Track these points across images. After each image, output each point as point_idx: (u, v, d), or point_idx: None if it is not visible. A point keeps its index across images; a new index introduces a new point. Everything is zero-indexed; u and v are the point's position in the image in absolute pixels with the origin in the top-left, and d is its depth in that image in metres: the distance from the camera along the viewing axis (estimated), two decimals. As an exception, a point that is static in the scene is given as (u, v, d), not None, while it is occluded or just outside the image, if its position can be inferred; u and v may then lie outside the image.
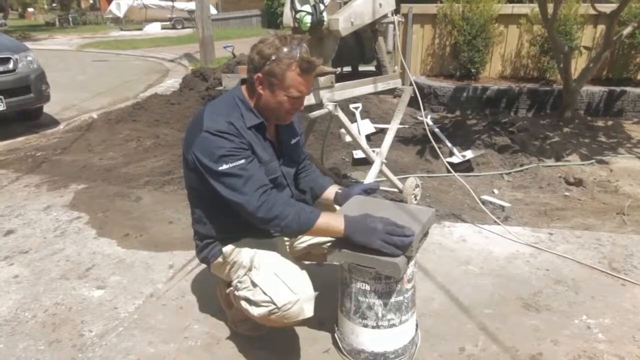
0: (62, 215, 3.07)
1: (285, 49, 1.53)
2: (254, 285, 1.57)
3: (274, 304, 1.50)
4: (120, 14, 21.86)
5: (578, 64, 5.42)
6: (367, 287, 1.63)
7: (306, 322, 1.94)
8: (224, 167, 1.52)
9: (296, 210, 1.55)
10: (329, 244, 1.66)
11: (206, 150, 1.53)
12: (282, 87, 1.56)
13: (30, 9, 31.87)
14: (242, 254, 1.68)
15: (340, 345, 1.78)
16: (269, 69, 1.54)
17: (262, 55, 1.54)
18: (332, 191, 1.87)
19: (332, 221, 1.56)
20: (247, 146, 1.57)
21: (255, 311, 1.55)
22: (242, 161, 1.53)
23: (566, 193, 3.30)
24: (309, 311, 1.54)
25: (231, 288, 1.70)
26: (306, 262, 2.04)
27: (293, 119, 1.83)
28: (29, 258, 2.55)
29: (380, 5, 2.67)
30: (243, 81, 1.71)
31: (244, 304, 1.60)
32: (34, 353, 1.85)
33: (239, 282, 1.65)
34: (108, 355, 1.83)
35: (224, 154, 1.51)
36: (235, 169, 1.52)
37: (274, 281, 1.54)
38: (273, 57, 1.53)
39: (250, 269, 1.62)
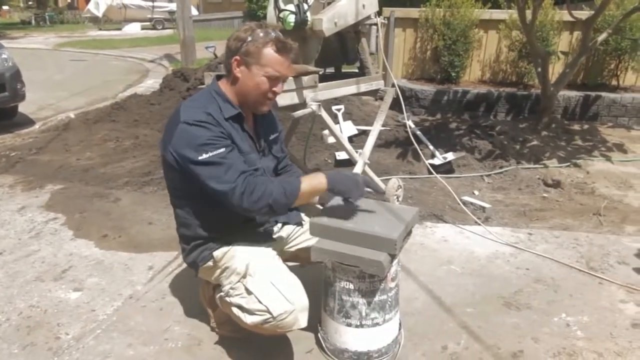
0: (37, 216, 2.99)
1: (260, 32, 1.56)
2: (249, 292, 1.54)
3: (270, 313, 1.48)
4: (99, 14, 21.52)
5: (555, 69, 5.55)
6: (351, 286, 1.63)
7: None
8: (205, 156, 1.50)
9: (278, 183, 1.55)
10: (311, 248, 1.65)
11: (185, 141, 1.51)
12: (260, 65, 1.56)
13: (5, 7, 31.09)
14: (236, 260, 1.63)
15: (324, 345, 1.77)
16: (245, 49, 1.56)
17: (239, 39, 1.57)
18: None
19: (314, 180, 1.59)
20: (226, 135, 1.56)
21: (248, 319, 1.53)
22: (222, 150, 1.52)
23: (544, 194, 3.37)
24: (303, 321, 1.53)
25: (221, 293, 1.66)
26: (289, 264, 2.02)
27: (271, 112, 1.82)
28: (2, 260, 2.47)
29: (364, 6, 2.69)
30: (218, 77, 1.70)
31: (236, 310, 1.57)
32: (8, 357, 1.79)
33: (232, 288, 1.60)
34: (85, 358, 1.78)
35: (204, 143, 1.50)
36: (215, 157, 1.50)
37: (270, 290, 1.51)
38: (249, 39, 1.56)
39: (244, 276, 1.58)
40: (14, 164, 3.97)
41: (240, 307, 1.55)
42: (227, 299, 1.61)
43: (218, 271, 1.68)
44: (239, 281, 1.59)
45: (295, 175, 1.91)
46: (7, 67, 5.02)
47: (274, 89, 1.61)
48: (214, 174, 1.50)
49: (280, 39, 1.57)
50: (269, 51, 1.55)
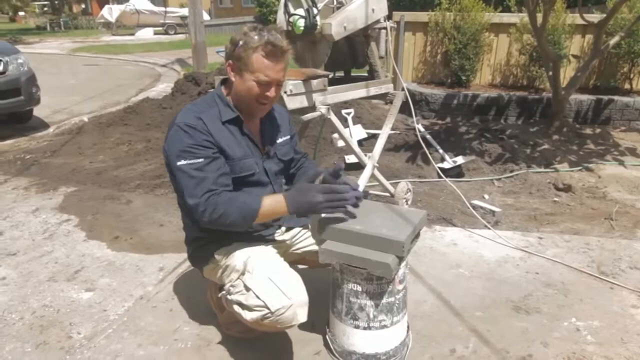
0: (51, 217, 3.04)
1: (253, 34, 1.55)
2: (247, 289, 1.55)
3: (268, 308, 1.49)
4: (112, 19, 21.81)
5: (567, 73, 5.51)
6: (359, 288, 1.63)
7: (297, 324, 1.94)
8: (181, 162, 1.54)
9: (238, 205, 1.53)
10: (319, 249, 1.66)
11: (172, 143, 1.57)
12: (249, 71, 1.56)
13: (21, 13, 31.65)
14: (235, 258, 1.66)
15: (332, 347, 1.77)
16: (237, 53, 1.56)
17: (233, 42, 1.58)
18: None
19: (275, 204, 1.55)
20: (211, 144, 1.58)
21: (248, 315, 1.54)
22: (201, 160, 1.55)
23: (555, 198, 3.34)
24: (302, 316, 1.54)
25: (223, 292, 1.68)
26: (299, 266, 2.03)
27: (282, 115, 1.85)
28: (16, 260, 2.52)
29: (373, 10, 2.70)
30: (224, 81, 1.73)
31: (236, 308, 1.58)
32: (21, 355, 1.82)
33: (232, 285, 1.63)
34: (97, 357, 1.80)
35: (184, 149, 1.55)
36: (190, 167, 1.54)
37: (268, 285, 1.53)
38: (241, 42, 1.55)
39: (243, 273, 1.61)
40: (29, 167, 4.04)
41: (240, 304, 1.57)
42: (228, 296, 1.63)
43: (220, 271, 1.71)
44: (238, 278, 1.61)
45: (300, 171, 1.90)
46: (22, 72, 5.11)
47: (267, 93, 1.59)
48: (185, 184, 1.55)
49: (270, 42, 1.53)
50: (258, 56, 1.54)
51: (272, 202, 1.55)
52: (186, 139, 1.55)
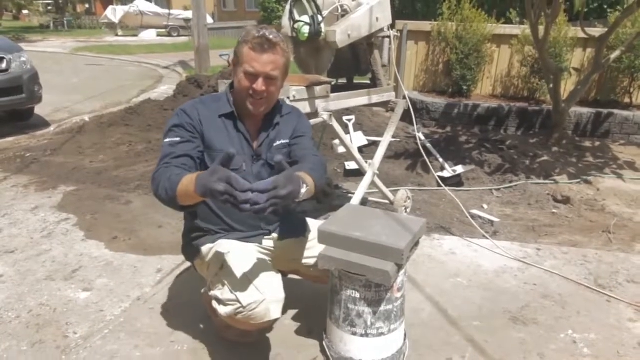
0: (50, 216, 3.04)
1: (251, 30, 1.58)
2: (223, 284, 1.57)
3: (240, 302, 1.50)
4: (116, 20, 21.84)
5: (567, 86, 5.54)
6: (357, 295, 1.64)
7: (294, 330, 1.94)
8: (165, 140, 1.61)
9: (165, 180, 1.45)
10: (318, 255, 1.66)
11: (166, 124, 1.66)
12: (240, 63, 1.60)
13: (25, 11, 31.71)
14: (217, 254, 1.68)
15: (329, 354, 1.77)
16: (235, 49, 1.62)
17: (238, 40, 1.63)
18: None
19: (189, 180, 1.36)
20: (193, 129, 1.63)
21: (222, 310, 1.55)
22: (178, 139, 1.60)
23: (554, 210, 3.35)
24: (275, 313, 1.53)
25: (205, 288, 1.71)
26: (298, 278, 2.03)
27: (291, 119, 1.81)
28: (14, 258, 2.51)
29: (377, 19, 2.72)
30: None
31: (214, 303, 1.60)
32: (17, 354, 1.81)
33: (211, 281, 1.65)
34: (93, 357, 1.80)
35: (169, 129, 1.63)
36: (168, 143, 1.59)
37: (242, 280, 1.54)
38: (240, 39, 1.60)
39: (222, 268, 1.63)
40: (29, 165, 4.04)
41: (216, 299, 1.58)
42: (209, 292, 1.64)
43: (206, 267, 1.73)
44: (216, 274, 1.63)
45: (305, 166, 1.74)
46: (25, 70, 5.12)
47: (254, 86, 1.58)
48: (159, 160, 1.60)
49: (260, 36, 1.54)
50: (247, 49, 1.57)
51: (188, 179, 1.38)
52: (175, 120, 1.63)
